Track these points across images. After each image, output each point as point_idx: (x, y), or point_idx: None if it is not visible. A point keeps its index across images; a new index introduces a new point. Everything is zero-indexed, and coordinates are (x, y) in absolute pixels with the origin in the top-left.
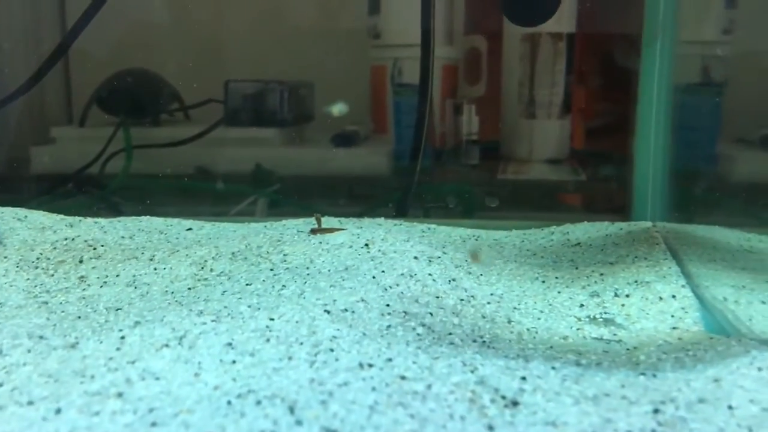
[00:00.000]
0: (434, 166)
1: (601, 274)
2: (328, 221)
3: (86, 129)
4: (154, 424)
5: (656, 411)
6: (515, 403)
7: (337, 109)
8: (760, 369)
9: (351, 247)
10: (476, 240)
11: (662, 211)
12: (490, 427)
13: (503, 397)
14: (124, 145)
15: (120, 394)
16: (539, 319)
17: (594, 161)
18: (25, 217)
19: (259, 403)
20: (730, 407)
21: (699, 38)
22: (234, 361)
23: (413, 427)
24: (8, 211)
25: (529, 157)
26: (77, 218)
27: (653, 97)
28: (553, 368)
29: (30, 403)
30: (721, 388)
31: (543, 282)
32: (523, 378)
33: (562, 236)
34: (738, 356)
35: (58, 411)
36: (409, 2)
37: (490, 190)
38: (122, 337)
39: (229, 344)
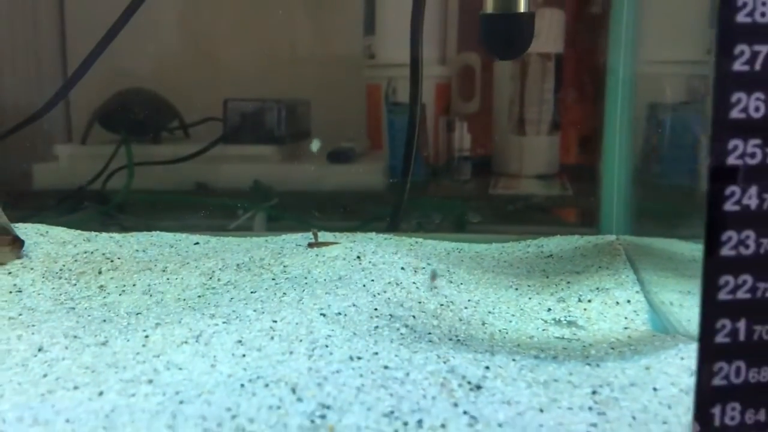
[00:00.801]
0: (427, 182)
1: (568, 282)
2: (324, 236)
3: (88, 146)
4: (181, 402)
5: (594, 392)
6: (478, 387)
7: (314, 145)
8: (682, 358)
9: (344, 259)
10: (459, 253)
11: (626, 224)
12: (455, 405)
13: (469, 383)
14: (127, 162)
15: (150, 381)
16: (510, 321)
17: (582, 176)
18: (47, 232)
19: (267, 386)
20: (654, 389)
21: (683, 58)
22: (244, 355)
23: (392, 403)
24: (31, 227)
25: (519, 173)
26: (93, 233)
27: (617, 120)
28: (514, 360)
29: (75, 387)
30: (649, 374)
31: (516, 289)
32: (487, 367)
33: (536, 249)
34: (668, 349)
35: (101, 393)
36: (403, 24)
37: (480, 205)
38: (146, 336)
39: (239, 341)
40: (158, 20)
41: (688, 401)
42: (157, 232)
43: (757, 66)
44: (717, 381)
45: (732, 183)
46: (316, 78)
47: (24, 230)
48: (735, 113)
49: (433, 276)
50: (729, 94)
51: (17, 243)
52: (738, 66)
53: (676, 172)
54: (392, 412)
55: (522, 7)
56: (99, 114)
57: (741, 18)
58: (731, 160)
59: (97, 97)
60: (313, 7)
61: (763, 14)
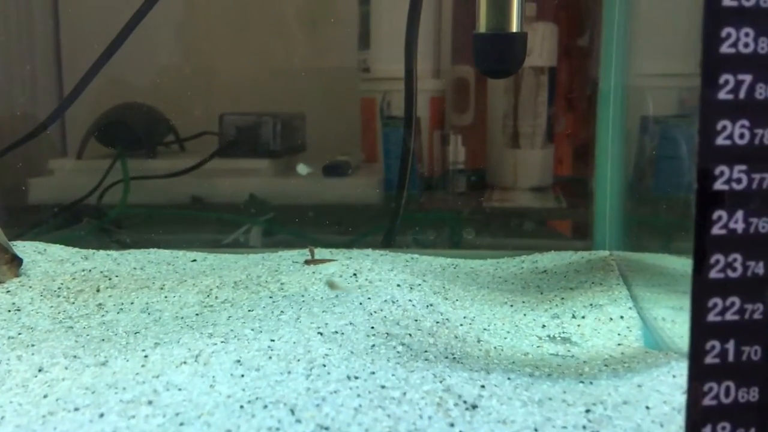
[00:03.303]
0: (422, 195)
1: (562, 299)
2: (320, 252)
3: (83, 161)
4: (182, 424)
5: (588, 411)
6: (474, 407)
7: (302, 169)
8: (674, 376)
9: (341, 276)
10: (454, 269)
11: (619, 239)
12: (452, 425)
13: (465, 402)
14: (122, 176)
15: (150, 402)
16: (505, 338)
17: (576, 188)
18: (45, 250)
19: (265, 407)
20: (647, 407)
21: (677, 71)
22: (242, 375)
23: (389, 424)
24: (29, 245)
25: (513, 186)
26: (91, 251)
27: (609, 134)
28: (509, 378)
29: (76, 409)
30: (642, 392)
31: (511, 306)
32: (483, 386)
33: (531, 264)
34: (660, 366)
35: (102, 415)
36: (397, 38)
37: (475, 218)
38: (145, 356)
39: (238, 361)
40: (154, 35)
41: (680, 420)
42: (155, 249)
43: (741, 94)
44: (707, 401)
45: (719, 208)
46: (311, 92)
47: (22, 248)
48: (720, 140)
49: (331, 285)
50: (714, 121)
51: (15, 261)
52: (723, 95)
53: (668, 186)
54: None
55: (514, 28)
56: (95, 128)
57: (725, 49)
58: (718, 186)
59: (92, 112)
60: (308, 21)
61: (746, 45)
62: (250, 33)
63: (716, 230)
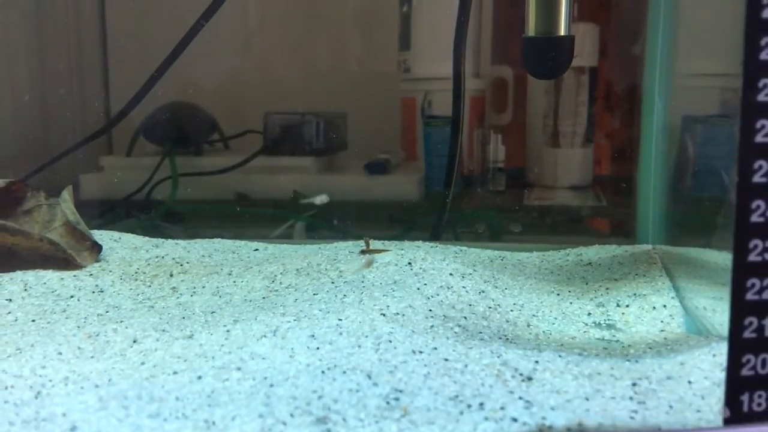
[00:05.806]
0: (463, 193)
1: (607, 289)
2: (373, 244)
3: (132, 158)
4: (272, 385)
5: (634, 384)
6: (530, 378)
7: (319, 199)
8: (714, 355)
9: (396, 265)
10: (502, 260)
11: (661, 235)
12: (511, 392)
13: (521, 374)
14: (171, 173)
15: (239, 368)
16: (553, 324)
17: (616, 187)
18: (119, 238)
19: (344, 372)
20: (689, 382)
21: (718, 71)
22: (318, 348)
23: (456, 389)
24: (105, 234)
25: (553, 184)
26: (161, 239)
27: (653, 132)
28: (560, 356)
29: (175, 373)
30: (684, 369)
31: (558, 295)
32: (536, 362)
33: (575, 257)
34: (701, 347)
35: (199, 377)
36: (437, 39)
37: (516, 216)
38: (227, 331)
39: (312, 336)
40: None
41: (720, 393)
42: (219, 239)
43: None
44: (745, 372)
45: (757, 198)
46: (353, 92)
47: (99, 236)
48: (759, 138)
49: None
50: (754, 121)
51: (96, 248)
52: (762, 97)
53: (709, 184)
54: (457, 396)
55: (562, 31)
56: (143, 127)
57: (764, 56)
58: (756, 179)
59: (140, 111)
60: (350, 23)
61: None
62: (292, 34)
63: (755, 218)
